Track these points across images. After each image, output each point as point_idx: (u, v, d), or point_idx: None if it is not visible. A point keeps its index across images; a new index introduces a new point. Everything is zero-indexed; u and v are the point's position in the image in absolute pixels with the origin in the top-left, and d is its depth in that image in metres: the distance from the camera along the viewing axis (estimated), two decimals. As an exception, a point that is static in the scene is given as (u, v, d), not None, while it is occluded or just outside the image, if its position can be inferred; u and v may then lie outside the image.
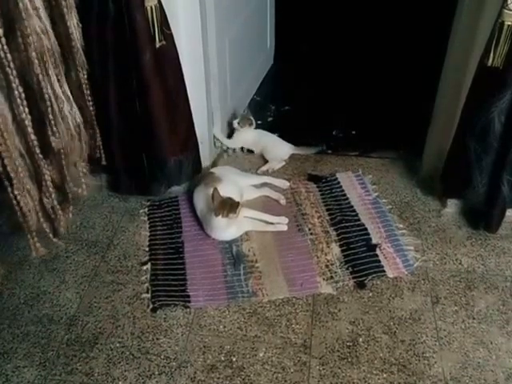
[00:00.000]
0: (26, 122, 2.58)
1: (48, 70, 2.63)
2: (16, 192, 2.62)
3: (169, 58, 3.17)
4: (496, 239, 3.34)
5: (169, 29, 3.07)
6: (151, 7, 2.93)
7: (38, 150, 2.70)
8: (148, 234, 3.47)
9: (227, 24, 3.97)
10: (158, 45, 3.05)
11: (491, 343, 2.75)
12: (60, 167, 3.00)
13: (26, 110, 2.56)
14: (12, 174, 2.56)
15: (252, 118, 4.19)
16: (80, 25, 2.88)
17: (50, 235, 2.96)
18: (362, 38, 5.93)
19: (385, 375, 2.61)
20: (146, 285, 3.11)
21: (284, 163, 4.05)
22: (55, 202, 2.95)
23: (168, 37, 3.09)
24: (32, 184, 2.72)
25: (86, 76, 3.07)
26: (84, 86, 3.09)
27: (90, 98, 3.17)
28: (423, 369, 2.64)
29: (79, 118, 2.91)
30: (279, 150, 4.12)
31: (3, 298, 3.07)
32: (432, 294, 3.01)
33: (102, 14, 2.95)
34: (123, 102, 3.24)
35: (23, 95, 2.52)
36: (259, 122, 4.47)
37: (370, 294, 3.02)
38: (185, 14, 3.32)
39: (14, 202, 2.66)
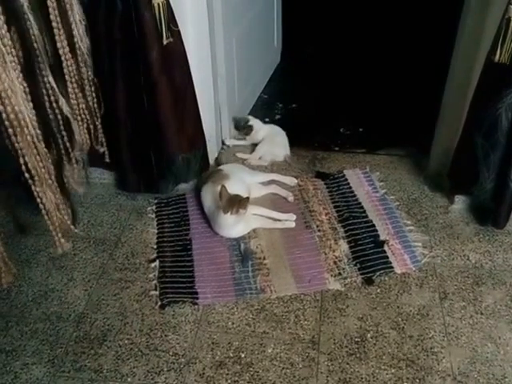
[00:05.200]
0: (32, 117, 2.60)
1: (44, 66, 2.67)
2: (38, 189, 2.63)
3: (176, 55, 3.18)
4: (503, 235, 3.34)
5: (176, 26, 3.08)
6: (158, 4, 2.94)
7: (42, 145, 2.72)
8: (156, 231, 3.48)
9: (234, 22, 3.98)
10: (165, 42, 3.06)
11: (499, 338, 2.75)
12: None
13: (31, 104, 2.57)
14: (33, 171, 2.57)
15: (252, 123, 4.18)
16: (83, 22, 2.89)
17: (72, 227, 2.96)
18: (369, 35, 5.95)
19: (393, 370, 2.61)
20: (154, 282, 3.11)
21: (264, 164, 4.04)
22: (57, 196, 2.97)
23: (175, 33, 3.09)
24: (50, 179, 2.73)
25: (90, 73, 3.08)
26: (88, 83, 3.10)
27: (94, 95, 3.18)
28: (431, 364, 2.64)
29: (69, 113, 2.93)
30: (275, 150, 4.11)
31: (11, 295, 3.08)
32: (440, 289, 3.01)
33: (109, 12, 2.96)
34: (131, 99, 3.25)
35: (27, 89, 2.54)
36: (266, 120, 4.48)
37: (378, 290, 3.02)
38: (192, 12, 3.33)
39: (38, 199, 2.66)
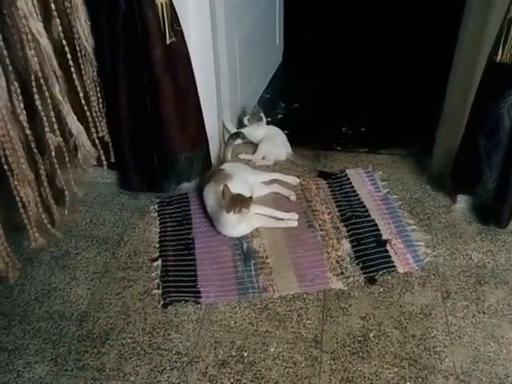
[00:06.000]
0: (21, 117, 2.61)
1: (45, 69, 2.67)
2: (16, 182, 2.64)
3: (179, 55, 3.18)
4: (506, 234, 3.34)
5: (179, 25, 3.08)
6: (161, 4, 2.94)
7: (33, 145, 2.73)
8: (158, 230, 3.48)
9: (237, 21, 3.98)
10: (168, 41, 3.06)
11: (502, 337, 2.75)
12: (56, 164, 3.00)
13: (22, 105, 2.60)
14: (14, 165, 2.58)
15: (262, 115, 4.17)
16: (88, 22, 2.90)
17: (49, 225, 2.97)
18: (371, 35, 5.95)
19: (396, 369, 2.61)
20: (157, 281, 3.12)
21: (269, 163, 4.05)
22: (49, 197, 2.97)
23: (178, 33, 3.09)
24: (32, 175, 2.74)
25: (95, 73, 3.09)
26: (92, 83, 3.11)
27: (99, 95, 3.20)
28: (434, 363, 2.64)
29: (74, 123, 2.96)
30: (277, 150, 4.10)
31: (14, 294, 3.08)
32: (442, 289, 3.01)
33: (112, 11, 2.96)
34: (134, 98, 3.25)
35: (19, 90, 2.56)
36: (269, 119, 4.47)
37: (381, 290, 3.02)
38: (195, 12, 3.33)
39: (15, 192, 2.68)
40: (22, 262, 3.17)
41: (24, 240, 3.05)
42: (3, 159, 2.57)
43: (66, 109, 2.89)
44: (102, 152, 3.32)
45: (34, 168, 2.83)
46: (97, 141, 3.25)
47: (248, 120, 4.14)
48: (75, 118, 2.98)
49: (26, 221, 2.81)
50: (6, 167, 2.59)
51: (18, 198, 2.71)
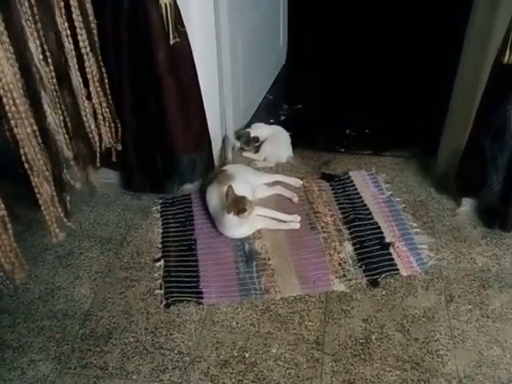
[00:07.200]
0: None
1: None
2: (36, 179, 2.65)
3: (183, 55, 3.18)
4: (511, 238, 3.32)
5: (183, 26, 3.08)
6: (165, 4, 2.94)
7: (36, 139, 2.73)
8: (161, 231, 3.48)
9: (240, 22, 3.98)
10: (172, 42, 3.06)
11: (506, 342, 2.74)
12: (56, 156, 3.00)
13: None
14: (32, 162, 2.60)
15: (252, 135, 4.18)
16: (95, 21, 2.90)
17: (65, 219, 2.97)
18: (376, 35, 5.95)
19: (398, 372, 2.60)
20: (159, 281, 3.12)
21: (270, 165, 4.04)
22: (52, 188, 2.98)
23: (182, 34, 3.09)
24: (48, 172, 2.75)
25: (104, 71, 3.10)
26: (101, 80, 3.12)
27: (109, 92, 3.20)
28: (437, 366, 2.63)
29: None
30: (280, 151, 4.10)
31: (18, 293, 3.09)
32: (446, 292, 3.00)
33: (116, 12, 2.97)
34: (137, 99, 3.25)
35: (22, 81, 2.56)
36: (271, 121, 4.47)
37: (383, 292, 3.02)
38: (198, 13, 3.32)
39: (36, 189, 2.69)
40: (27, 261, 3.15)
41: (29, 239, 3.07)
42: (23, 157, 2.58)
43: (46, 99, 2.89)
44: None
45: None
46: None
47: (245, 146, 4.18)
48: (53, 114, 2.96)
49: (47, 217, 2.82)
50: (26, 165, 2.61)
51: (38, 196, 2.72)
